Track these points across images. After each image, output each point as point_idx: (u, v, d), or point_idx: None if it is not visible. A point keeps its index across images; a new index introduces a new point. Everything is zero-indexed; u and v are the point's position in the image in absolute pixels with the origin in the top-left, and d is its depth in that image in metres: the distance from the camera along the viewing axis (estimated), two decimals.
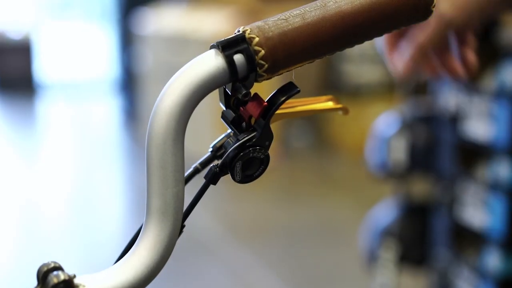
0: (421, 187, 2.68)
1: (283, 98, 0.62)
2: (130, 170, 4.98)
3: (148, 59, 5.34)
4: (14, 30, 7.21)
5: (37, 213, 4.00)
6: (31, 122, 6.46)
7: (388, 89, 4.76)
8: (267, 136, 0.62)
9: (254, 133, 0.61)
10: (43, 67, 7.27)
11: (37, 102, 7.01)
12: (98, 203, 4.35)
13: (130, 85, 6.42)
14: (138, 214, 3.92)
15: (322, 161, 4.83)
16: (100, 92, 6.83)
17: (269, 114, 0.62)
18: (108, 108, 6.44)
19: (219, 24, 4.57)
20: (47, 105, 6.90)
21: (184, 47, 4.84)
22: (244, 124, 0.62)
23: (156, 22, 5.22)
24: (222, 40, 0.59)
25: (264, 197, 4.13)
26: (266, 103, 0.61)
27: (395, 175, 2.58)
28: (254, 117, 0.61)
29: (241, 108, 0.62)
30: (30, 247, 3.53)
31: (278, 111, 0.66)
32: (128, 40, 6.16)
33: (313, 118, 5.00)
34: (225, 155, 0.61)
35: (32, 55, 7.13)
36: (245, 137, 0.61)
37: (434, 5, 0.63)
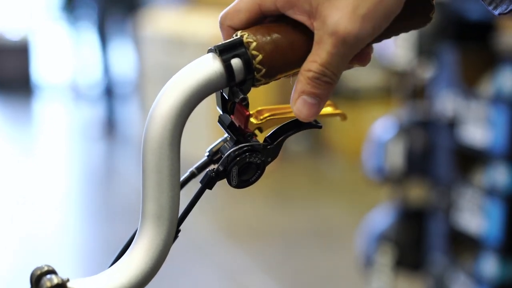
0: (417, 192, 2.68)
1: (299, 127, 0.62)
2: (126, 172, 4.97)
3: (146, 61, 5.33)
4: (12, 32, 7.21)
5: (32, 213, 3.98)
6: (28, 123, 6.45)
7: (386, 93, 4.76)
8: (274, 154, 0.62)
9: (262, 143, 0.61)
10: (40, 68, 7.27)
11: (34, 103, 7.00)
12: (93, 204, 4.34)
13: (126, 87, 6.41)
14: (132, 215, 3.91)
15: (319, 165, 4.83)
16: (95, 93, 6.82)
17: (286, 136, 0.62)
18: (103, 110, 6.42)
19: (216, 26, 4.54)
20: (44, 106, 6.90)
21: (181, 49, 4.84)
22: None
23: (153, 24, 5.22)
24: (220, 44, 0.59)
25: (261, 201, 4.13)
26: (248, 113, 0.60)
27: (391, 179, 2.58)
28: (241, 126, 0.61)
29: (231, 115, 0.62)
30: (25, 249, 3.52)
31: (275, 116, 0.66)
32: (124, 42, 6.15)
33: None
34: (222, 159, 0.60)
35: (30, 56, 7.12)
36: (248, 145, 0.60)
37: (434, 12, 0.63)
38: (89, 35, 6.89)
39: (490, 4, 0.61)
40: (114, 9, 5.82)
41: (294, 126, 0.63)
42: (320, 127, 0.64)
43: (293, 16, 0.59)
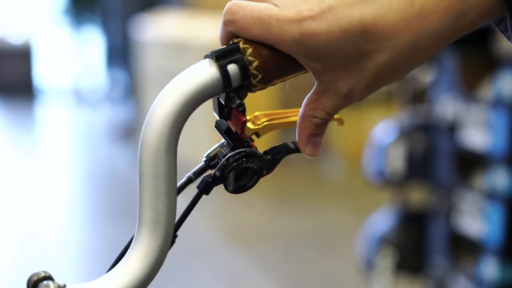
0: (418, 195, 2.67)
1: (294, 149, 0.64)
2: (128, 174, 4.98)
3: (147, 65, 5.34)
4: (14, 35, 7.22)
5: (33, 216, 3.99)
6: (30, 127, 6.45)
7: (386, 97, 4.76)
8: (270, 167, 0.62)
9: (262, 155, 0.61)
10: (43, 72, 7.28)
11: (36, 107, 7.01)
12: (95, 207, 4.34)
13: (129, 90, 6.41)
14: (133, 218, 3.90)
15: (320, 168, 4.82)
16: (98, 97, 6.84)
17: (284, 154, 0.63)
18: (104, 114, 6.43)
19: (217, 30, 4.54)
20: (46, 110, 6.90)
21: (183, 53, 4.84)
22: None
23: (155, 29, 5.23)
24: (216, 50, 0.59)
25: (262, 204, 4.13)
26: (245, 119, 0.61)
27: (392, 183, 2.58)
28: (238, 131, 0.61)
29: (228, 121, 0.62)
30: (25, 250, 3.52)
31: (272, 122, 0.66)
32: (127, 46, 6.15)
33: None
34: (219, 165, 0.60)
35: (32, 60, 7.13)
36: (245, 150, 0.61)
37: None
38: (91, 39, 6.91)
39: (504, 31, 0.61)
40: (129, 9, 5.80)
41: (292, 148, 0.64)
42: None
43: (302, 63, 0.59)
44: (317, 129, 0.60)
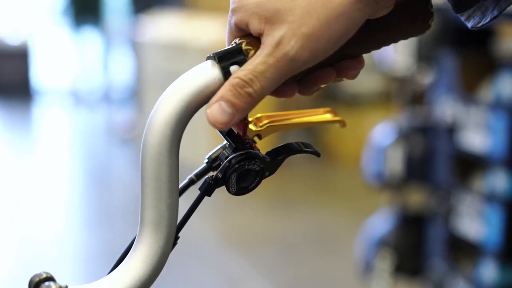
0: (417, 198, 2.67)
1: (297, 150, 0.63)
2: (125, 176, 4.97)
3: (146, 67, 5.34)
4: (12, 36, 7.21)
5: (32, 217, 3.98)
6: (28, 128, 6.45)
7: (385, 98, 4.77)
8: (272, 169, 0.62)
9: (264, 157, 0.61)
10: (40, 73, 7.27)
11: (34, 108, 7.00)
12: (93, 208, 4.34)
13: (128, 92, 6.42)
14: (132, 219, 3.90)
15: (319, 170, 4.83)
16: (96, 99, 6.83)
17: (286, 155, 0.62)
18: (103, 115, 6.43)
19: (217, 31, 4.56)
20: (44, 111, 6.90)
21: (182, 54, 4.84)
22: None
23: (154, 30, 5.23)
24: (219, 51, 0.59)
25: (261, 206, 4.12)
26: (247, 120, 0.60)
27: (391, 185, 2.58)
28: (240, 133, 0.61)
29: None
30: (25, 250, 3.52)
31: (274, 123, 0.66)
32: (125, 47, 6.16)
33: (310, 127, 5.00)
34: (221, 166, 0.60)
35: (29, 61, 7.13)
36: (247, 152, 0.60)
37: (433, 19, 0.63)
38: (90, 40, 6.90)
39: (462, 14, 0.60)
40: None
41: (295, 148, 0.63)
42: (319, 155, 0.64)
43: (251, 33, 0.58)
44: (231, 93, 0.56)
